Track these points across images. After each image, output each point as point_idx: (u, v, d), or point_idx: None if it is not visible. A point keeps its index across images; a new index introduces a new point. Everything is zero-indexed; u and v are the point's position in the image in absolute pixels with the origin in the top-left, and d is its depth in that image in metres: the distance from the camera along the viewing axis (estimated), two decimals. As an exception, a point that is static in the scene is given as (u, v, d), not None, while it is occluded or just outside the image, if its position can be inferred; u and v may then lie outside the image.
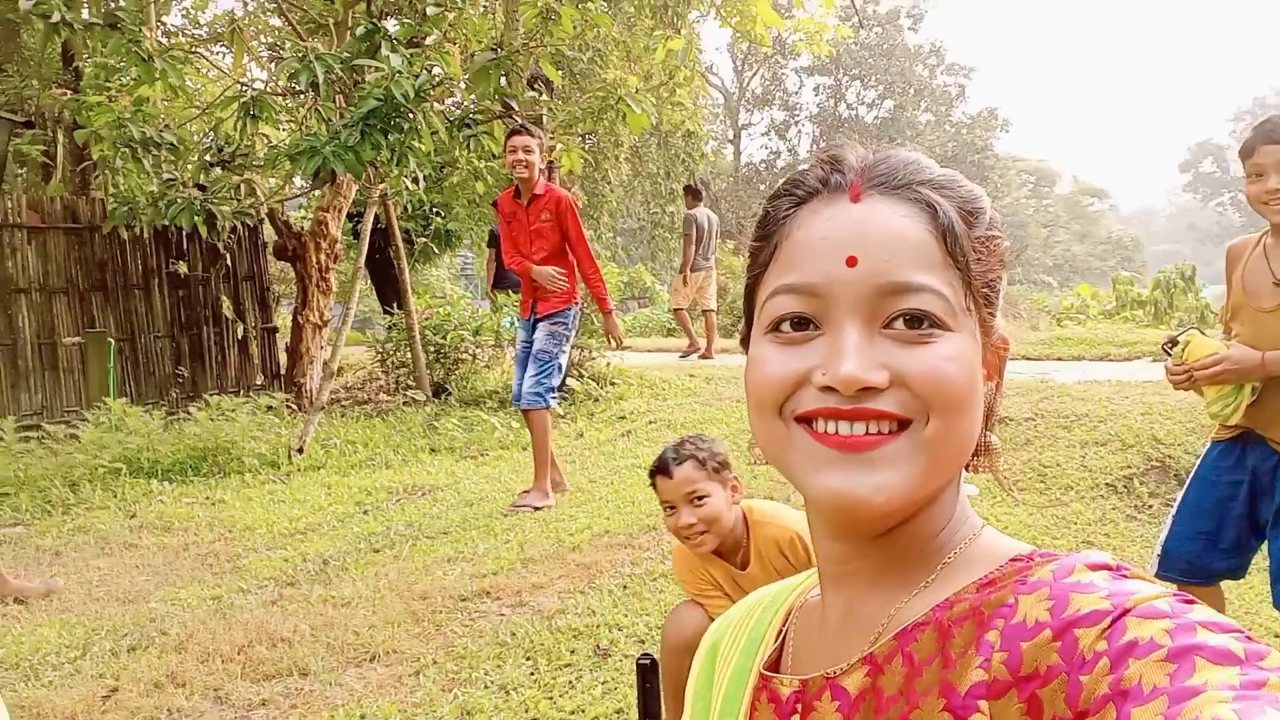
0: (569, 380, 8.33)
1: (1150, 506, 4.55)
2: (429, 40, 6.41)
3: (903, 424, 0.63)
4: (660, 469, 2.41)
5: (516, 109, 7.41)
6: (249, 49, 7.26)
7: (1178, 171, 54.74)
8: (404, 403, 8.54)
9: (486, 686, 3.06)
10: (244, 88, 8.10)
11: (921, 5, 28.63)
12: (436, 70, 6.26)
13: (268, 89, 7.73)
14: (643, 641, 3.33)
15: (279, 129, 8.28)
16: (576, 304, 5.35)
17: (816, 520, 0.73)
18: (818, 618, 0.75)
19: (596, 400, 8.08)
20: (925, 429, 0.62)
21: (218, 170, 7.51)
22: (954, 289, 0.64)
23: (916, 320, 0.63)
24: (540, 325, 5.25)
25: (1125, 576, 0.57)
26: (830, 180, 0.69)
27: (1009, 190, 35.27)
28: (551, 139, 7.57)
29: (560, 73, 7.68)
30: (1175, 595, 0.54)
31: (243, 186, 7.76)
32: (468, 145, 6.98)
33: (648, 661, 1.40)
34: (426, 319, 9.43)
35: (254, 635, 3.44)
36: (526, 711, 2.89)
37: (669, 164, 23.79)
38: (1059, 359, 8.40)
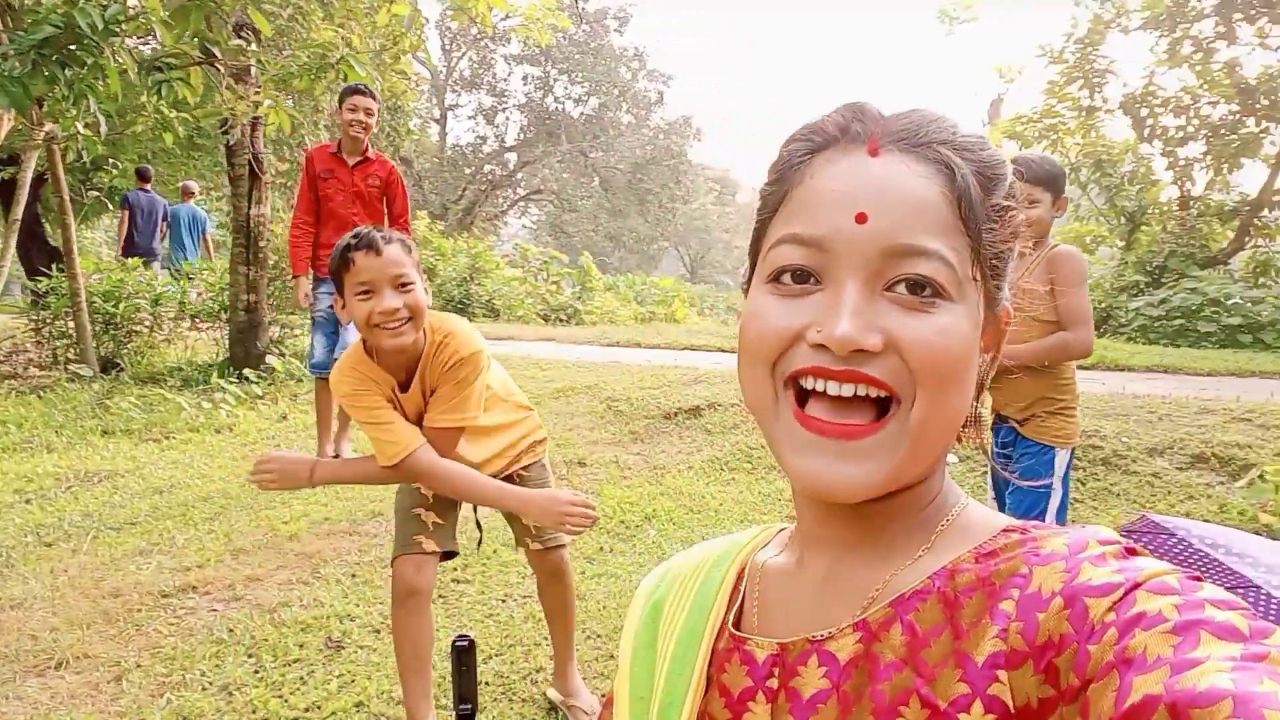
0: (269, 358, 7.74)
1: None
2: (121, -33, 5.63)
3: (885, 404, 0.62)
4: (367, 245, 2.08)
5: (219, 57, 6.75)
6: None
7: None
8: (66, 379, 7.48)
9: (205, 688, 2.75)
10: None
11: (628, 9, 29.62)
12: (133, 2, 5.52)
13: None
14: (377, 631, 3.17)
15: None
16: None
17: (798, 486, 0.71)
18: (789, 580, 0.73)
19: (299, 380, 7.56)
20: (912, 410, 0.61)
21: None
22: (962, 257, 0.63)
23: (919, 286, 0.61)
24: None
25: (1135, 554, 0.58)
26: (850, 129, 0.66)
27: (697, 196, 37.56)
28: (258, 94, 6.97)
29: (271, 24, 7.08)
30: (1185, 574, 0.55)
31: None
32: (158, 91, 6.24)
33: (465, 643, 1.32)
34: (95, 285, 8.32)
35: (-106, 648, 2.85)
36: (254, 712, 2.65)
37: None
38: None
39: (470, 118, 32.06)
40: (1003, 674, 0.56)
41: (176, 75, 6.22)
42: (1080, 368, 9.37)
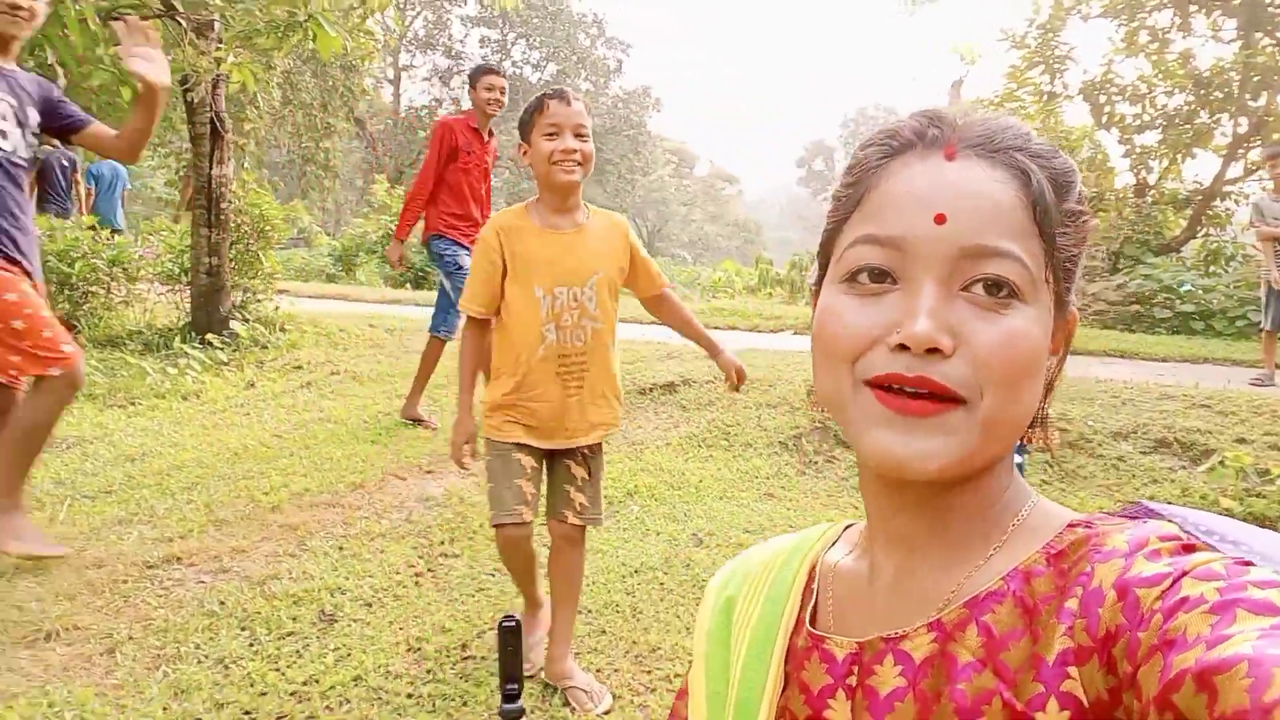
0: (233, 324, 7.58)
1: (815, 462, 5.12)
2: (87, -86, 5.42)
3: (958, 401, 0.63)
4: (559, 95, 2.55)
5: (180, 10, 6.55)
6: None
7: (794, 166, 61.58)
8: (20, 339, 7.26)
9: (200, 661, 2.73)
10: None
11: (588, -27, 29.35)
12: (99, -49, 5.32)
13: None
14: (369, 605, 3.17)
15: None
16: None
17: (869, 478, 0.73)
18: (862, 579, 0.75)
19: (265, 347, 7.43)
20: (982, 404, 0.63)
21: None
22: (1036, 260, 0.65)
23: (996, 286, 0.63)
24: None
25: (1193, 549, 0.59)
26: (927, 134, 0.68)
27: (655, 168, 37.44)
28: (221, 50, 6.77)
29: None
30: (1234, 560, 0.56)
31: None
32: (116, 43, 6.03)
33: (512, 624, 1.33)
34: (49, 243, 8.06)
35: (-127, 620, 2.78)
36: (252, 685, 2.63)
37: (325, 95, 22.31)
38: (717, 327, 9.10)
39: (425, 79, 31.52)
40: (1073, 670, 0.58)
41: (139, 28, 6.01)
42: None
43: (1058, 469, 5.07)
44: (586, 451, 2.70)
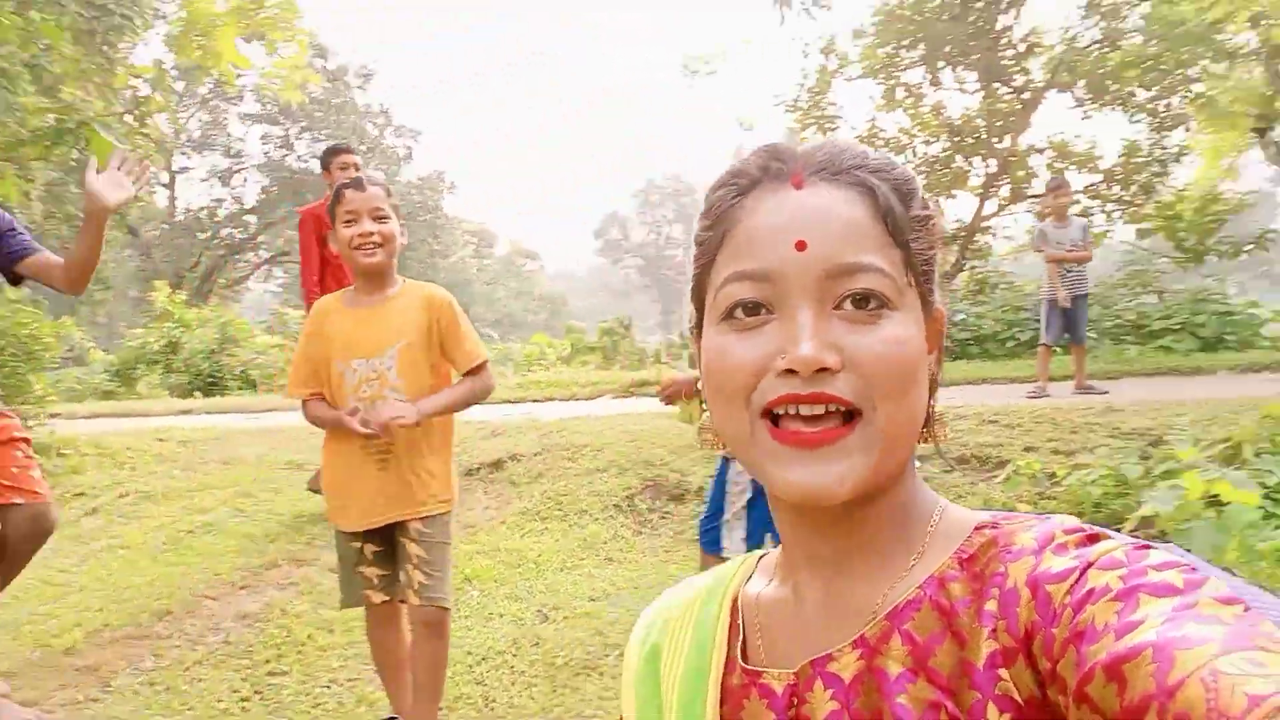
0: None
1: (650, 520, 5.13)
2: None
3: (850, 415, 0.65)
4: (355, 185, 2.63)
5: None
6: None
7: (592, 238, 63.03)
8: None
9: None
10: None
11: (370, 65, 29.16)
12: None
13: None
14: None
15: None
16: None
17: (782, 506, 0.73)
18: (788, 606, 0.75)
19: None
20: (876, 417, 0.65)
21: None
22: (896, 267, 0.67)
23: (865, 299, 0.66)
24: None
25: (1097, 539, 0.61)
26: (770, 168, 0.71)
27: (455, 249, 37.28)
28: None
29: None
30: (1134, 545, 0.58)
31: None
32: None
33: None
34: None
35: None
36: None
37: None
38: (535, 400, 9.04)
39: (203, 180, 30.20)
40: (1003, 672, 0.59)
41: None
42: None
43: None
44: (421, 527, 2.59)
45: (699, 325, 0.74)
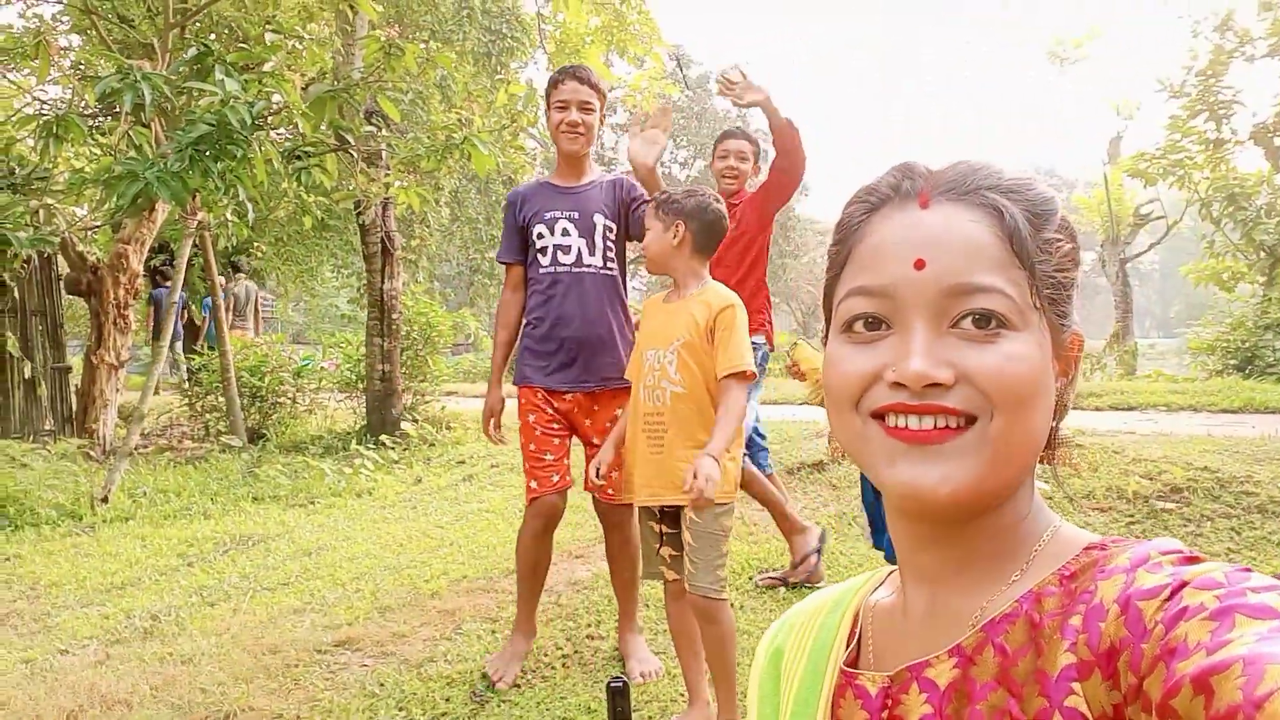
0: (404, 424, 8.06)
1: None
2: (266, 66, 6.13)
3: (969, 420, 0.65)
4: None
5: (353, 143, 7.20)
6: (54, 63, 6.66)
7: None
8: (219, 450, 7.97)
9: (360, 740, 2.87)
10: (43, 105, 7.44)
11: (730, 74, 30.13)
12: (276, 98, 5.98)
13: (71, 108, 7.13)
14: (518, 686, 3.24)
15: (79, 153, 7.65)
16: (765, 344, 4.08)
17: (894, 513, 0.75)
18: (898, 615, 0.77)
19: (432, 445, 7.85)
20: (990, 424, 0.65)
21: (7, 194, 6.82)
22: (1020, 289, 0.67)
23: (984, 319, 0.66)
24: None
25: (1195, 561, 0.59)
26: (901, 187, 0.72)
27: (806, 250, 37.45)
28: (389, 176, 7.39)
29: (398, 109, 7.54)
30: (1235, 568, 0.56)
31: (41, 213, 7.06)
32: (298, 177, 6.70)
33: (619, 684, 1.36)
34: (240, 360, 8.88)
35: (84, 699, 3.08)
36: (407, 764, 2.74)
37: (489, 210, 23.71)
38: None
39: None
40: (1076, 685, 0.58)
41: (315, 162, 6.68)
42: (1226, 410, 8.70)
43: (1245, 535, 4.63)
44: (693, 515, 2.65)
45: (827, 335, 0.77)
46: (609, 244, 3.27)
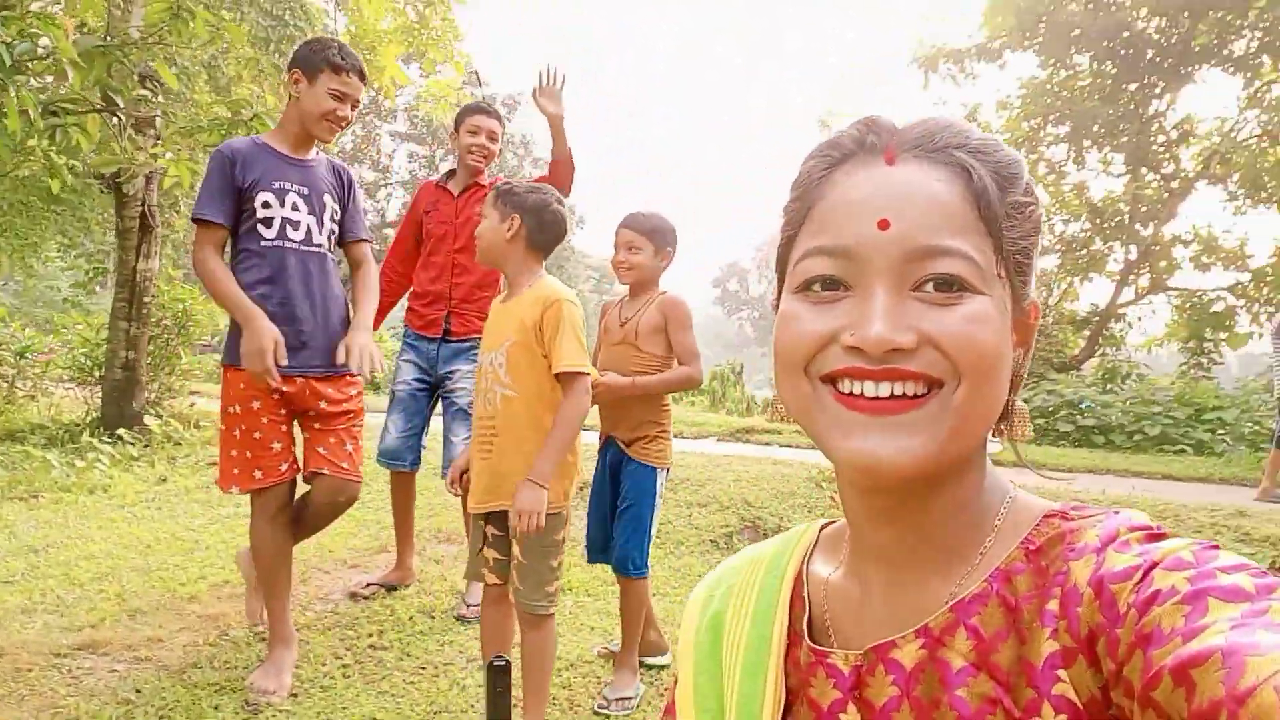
0: (147, 419, 7.33)
1: (745, 561, 5.13)
2: (34, 4, 5.45)
3: (931, 386, 0.63)
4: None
5: (121, 105, 6.56)
6: None
7: (710, 287, 63.19)
8: (-86, 432, 6.89)
9: (113, 752, 2.56)
10: None
11: (517, 97, 30.19)
12: (44, 42, 5.33)
13: None
14: (294, 696, 3.02)
15: None
16: None
17: (848, 488, 0.73)
18: (854, 592, 0.74)
19: (179, 444, 7.19)
20: (955, 393, 0.63)
21: None
22: (985, 254, 0.64)
23: (946, 284, 0.63)
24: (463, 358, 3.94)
25: (1162, 537, 0.59)
26: (866, 141, 0.68)
27: (576, 283, 38.05)
28: (158, 146, 6.78)
29: (177, 78, 6.97)
30: (1201, 545, 0.56)
31: None
32: (51, 135, 6.00)
33: (502, 663, 1.31)
34: (-48, 334, 7.76)
35: None
36: (171, 777, 2.47)
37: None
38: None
39: (351, 191, 31.65)
40: (1062, 672, 0.58)
41: (73, 121, 6.01)
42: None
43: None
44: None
45: (779, 298, 0.73)
46: (332, 227, 3.14)
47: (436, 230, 3.99)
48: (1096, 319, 12.49)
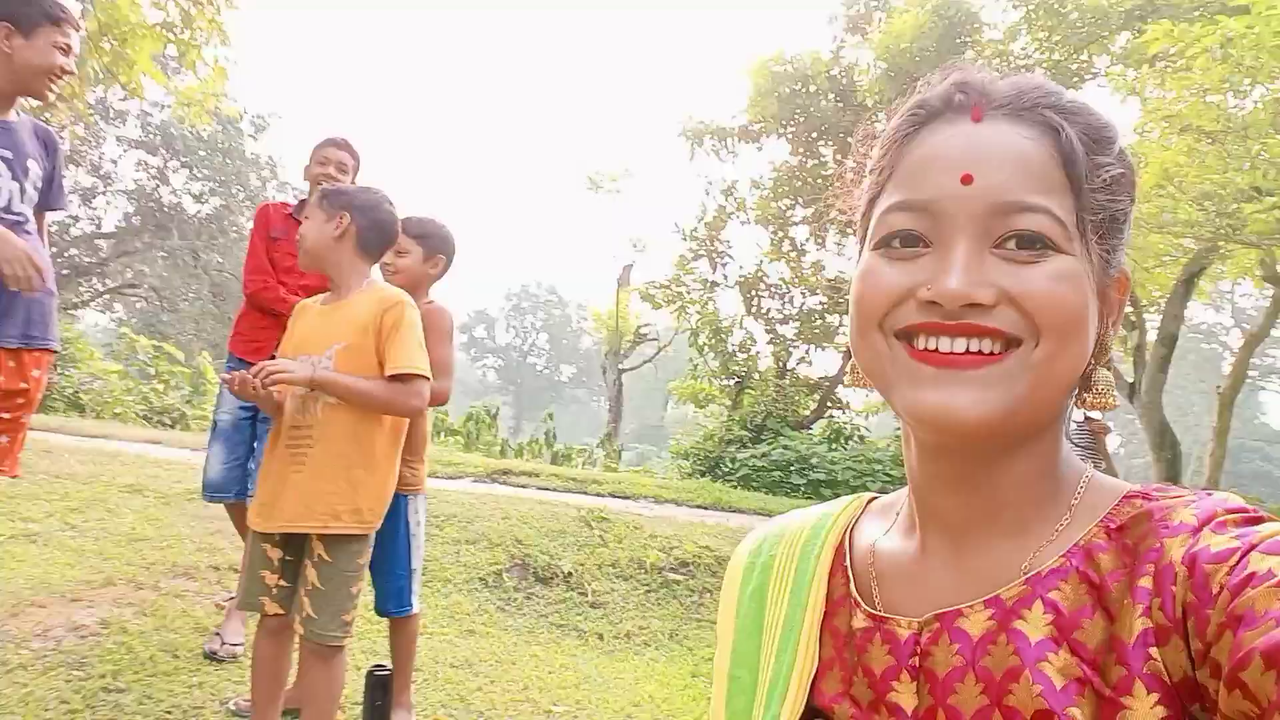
0: None
1: (515, 599, 5.02)
2: None
3: (1009, 345, 0.62)
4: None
5: None
6: None
7: (458, 332, 62.37)
8: None
9: None
10: None
11: (267, 117, 28.58)
12: None
13: None
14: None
15: None
16: None
17: (919, 450, 0.70)
18: (910, 558, 0.72)
19: None
20: (1035, 350, 0.61)
21: None
22: (1069, 213, 0.63)
23: (1030, 241, 0.62)
24: None
25: (1260, 520, 0.58)
26: (954, 100, 0.68)
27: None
28: None
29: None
30: None
31: None
32: None
33: (384, 673, 1.19)
34: None
35: None
36: None
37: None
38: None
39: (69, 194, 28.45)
40: (1155, 651, 0.56)
41: None
42: (701, 506, 10.05)
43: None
44: (324, 552, 2.39)
45: (860, 256, 0.72)
46: (34, 195, 2.83)
47: (283, 261, 3.77)
48: (826, 384, 13.63)
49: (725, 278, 14.04)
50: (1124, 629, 0.58)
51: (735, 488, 11.07)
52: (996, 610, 0.63)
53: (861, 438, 12.95)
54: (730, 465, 11.96)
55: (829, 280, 13.63)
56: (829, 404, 13.57)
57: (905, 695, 0.66)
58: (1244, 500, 0.61)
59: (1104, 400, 0.70)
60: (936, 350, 0.63)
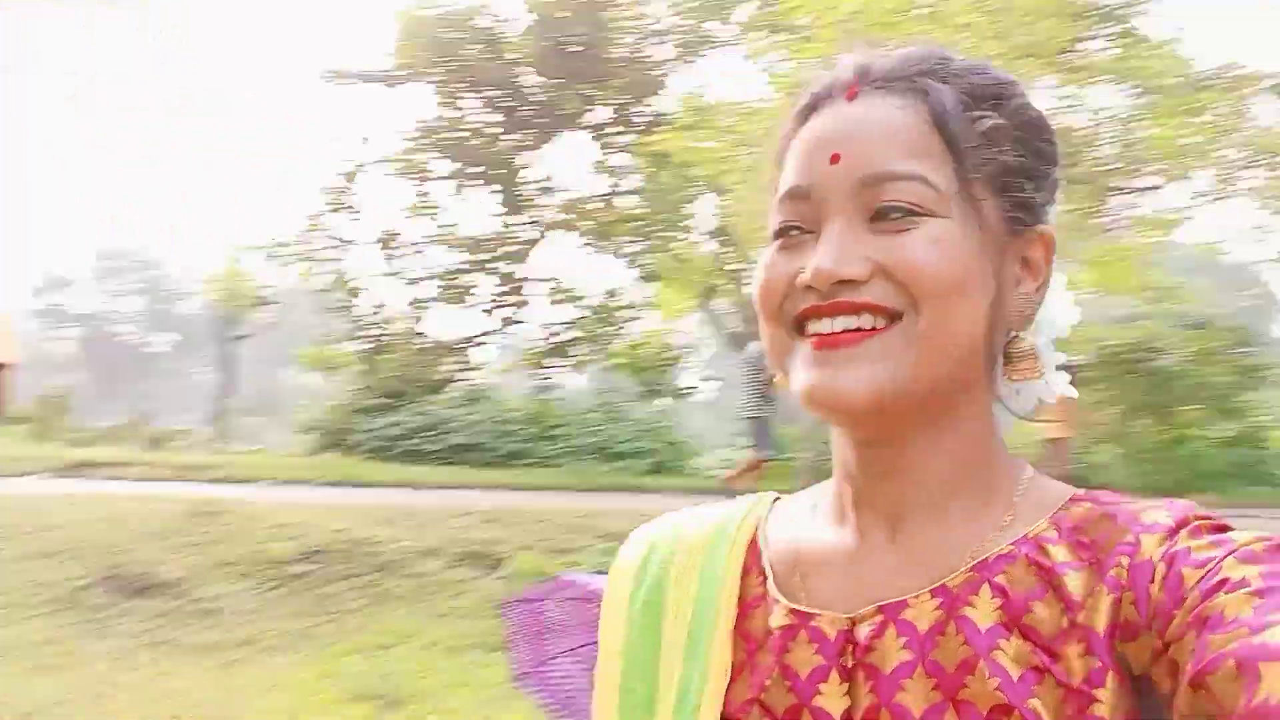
0: None
1: (102, 618, 4.28)
2: None
3: (892, 319, 0.61)
4: None
5: None
6: None
7: (31, 296, 53.92)
8: None
9: None
10: None
11: None
12: None
13: None
14: None
15: None
16: None
17: (840, 443, 0.69)
18: (841, 551, 0.69)
19: None
20: (918, 321, 0.61)
21: None
22: (945, 175, 0.62)
23: (903, 210, 0.62)
24: None
25: (1225, 528, 0.59)
26: (835, 85, 0.68)
27: None
28: None
29: None
30: (1272, 543, 0.56)
31: None
32: None
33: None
34: None
35: None
36: None
37: None
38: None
39: None
40: (1122, 645, 0.57)
41: None
42: (331, 483, 9.62)
43: (370, 591, 5.06)
44: None
45: None
46: None
47: None
48: (460, 345, 13.48)
49: (359, 235, 13.32)
50: (1090, 618, 0.57)
51: (367, 459, 10.61)
52: (944, 599, 0.62)
53: (494, 400, 13.03)
54: (361, 435, 11.45)
55: (473, 238, 13.51)
56: (464, 366, 13.46)
57: (833, 699, 0.63)
58: (1202, 509, 0.62)
59: (1025, 372, 0.68)
60: (819, 333, 0.62)
